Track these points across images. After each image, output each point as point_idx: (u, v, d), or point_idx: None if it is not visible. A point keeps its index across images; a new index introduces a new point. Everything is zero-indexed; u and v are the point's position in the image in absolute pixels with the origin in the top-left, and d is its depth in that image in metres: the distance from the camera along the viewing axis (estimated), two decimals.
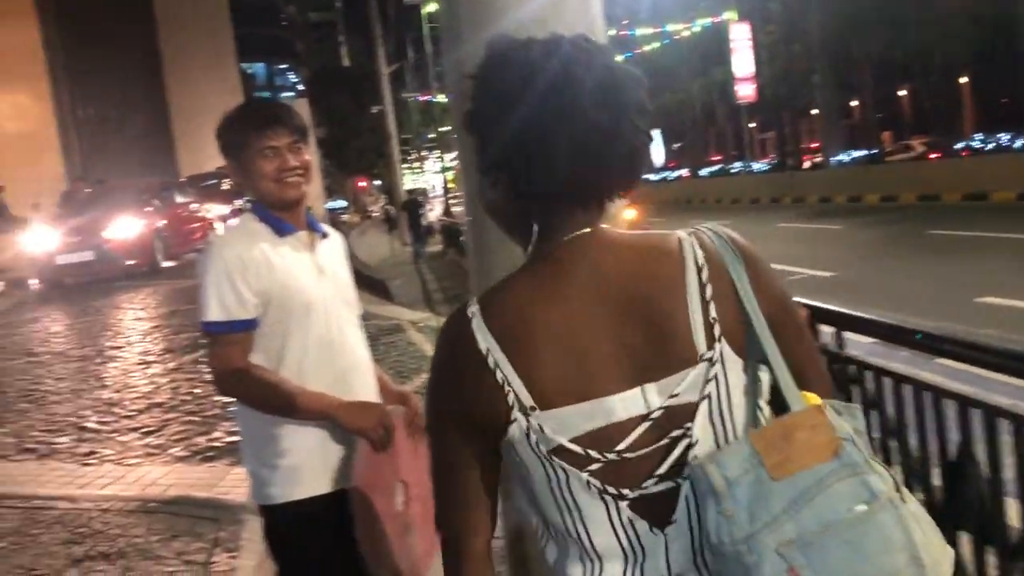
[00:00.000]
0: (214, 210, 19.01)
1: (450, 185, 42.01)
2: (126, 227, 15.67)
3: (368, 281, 12.34)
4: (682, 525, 1.13)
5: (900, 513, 1.05)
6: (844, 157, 33.94)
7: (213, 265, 2.17)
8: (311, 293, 2.24)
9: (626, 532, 1.14)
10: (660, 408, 1.12)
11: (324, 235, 2.38)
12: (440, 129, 40.72)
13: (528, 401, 1.13)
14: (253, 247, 2.19)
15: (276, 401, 2.17)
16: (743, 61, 33.50)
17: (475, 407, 1.16)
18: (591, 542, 1.15)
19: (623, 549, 1.14)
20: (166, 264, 16.55)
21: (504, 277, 1.21)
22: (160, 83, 31.66)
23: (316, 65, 50.58)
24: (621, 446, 1.12)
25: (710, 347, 1.13)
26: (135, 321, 11.12)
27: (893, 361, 2.11)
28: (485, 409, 1.15)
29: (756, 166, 41.11)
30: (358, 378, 2.33)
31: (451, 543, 1.25)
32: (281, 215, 2.26)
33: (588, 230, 1.18)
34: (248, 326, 2.18)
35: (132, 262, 15.63)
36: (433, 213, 32.41)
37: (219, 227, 18.71)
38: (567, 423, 1.12)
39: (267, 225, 2.24)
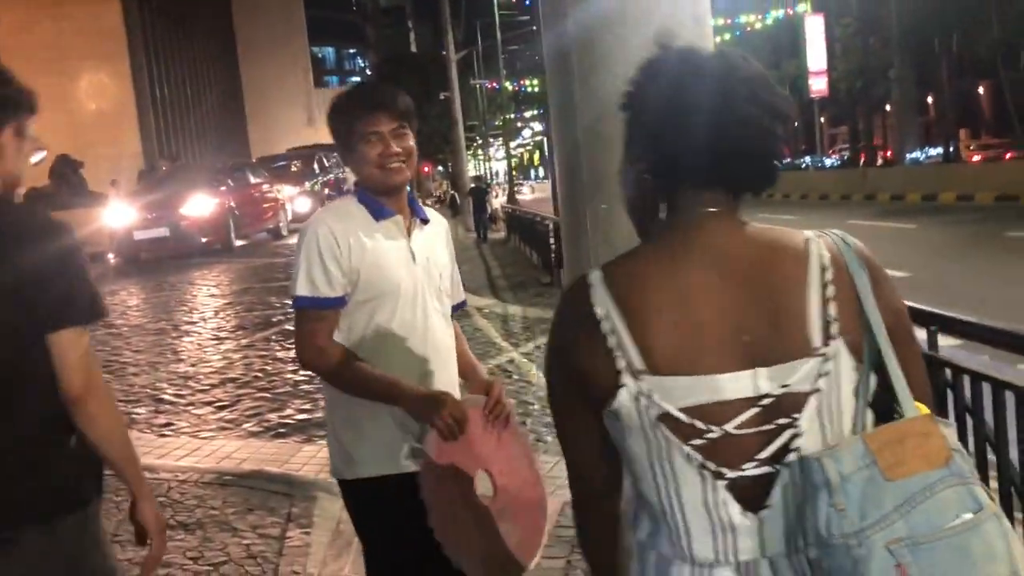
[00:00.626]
0: (285, 191, 19.33)
1: (513, 172, 42.01)
2: (201, 205, 16.04)
3: None
4: (777, 511, 1.16)
5: (1003, 526, 1.10)
6: (919, 155, 33.09)
7: (307, 242, 2.22)
8: (399, 278, 2.26)
9: (718, 512, 1.18)
10: (770, 395, 1.16)
11: (425, 220, 2.40)
12: (506, 116, 40.71)
13: (640, 365, 1.17)
14: (348, 228, 2.22)
15: (351, 381, 2.22)
16: (816, 54, 32.86)
17: (588, 371, 1.20)
18: (684, 519, 1.19)
19: (713, 528, 1.18)
20: (238, 243, 16.94)
21: (629, 250, 1.26)
22: (234, 64, 32.28)
23: (385, 50, 50.97)
24: (728, 425, 1.16)
25: (825, 343, 1.17)
26: (209, 297, 11.41)
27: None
28: (597, 373, 1.19)
29: (827, 161, 40.35)
30: (439, 365, 2.35)
31: (580, 505, 1.32)
32: (381, 199, 2.29)
33: (719, 214, 1.23)
34: (335, 304, 2.22)
35: (206, 239, 16.04)
36: (497, 200, 32.47)
37: (289, 207, 19.09)
38: (675, 392, 1.16)
39: (365, 208, 2.28)
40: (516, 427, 2.33)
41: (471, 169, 40.99)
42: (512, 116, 48.73)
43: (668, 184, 1.24)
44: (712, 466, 1.16)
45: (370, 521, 2.35)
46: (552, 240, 11.81)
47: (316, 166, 21.85)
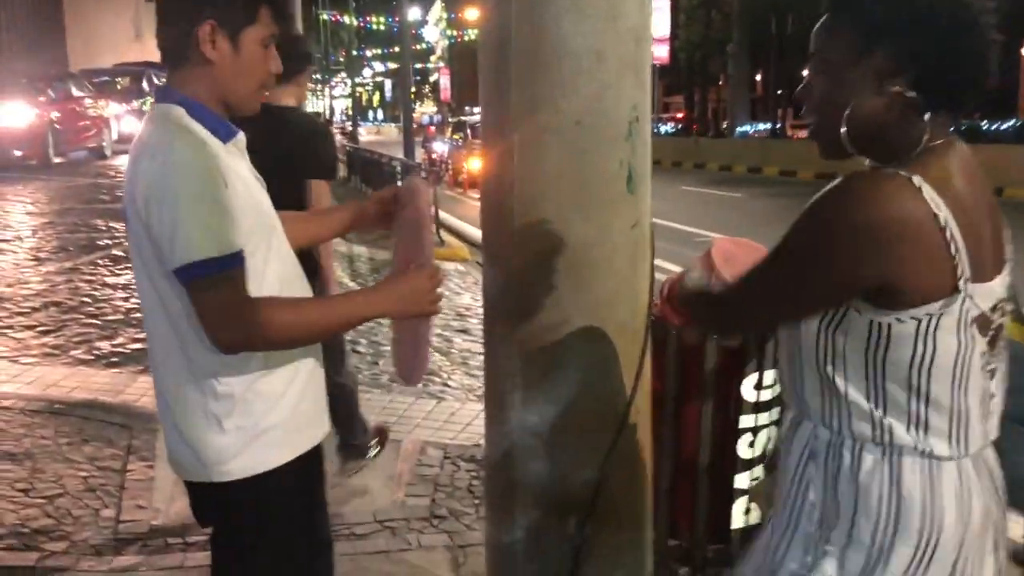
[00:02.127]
0: (111, 108, 17.97)
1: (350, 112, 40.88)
2: (17, 114, 14.43)
3: None
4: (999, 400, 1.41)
5: None
6: (748, 128, 34.76)
7: (185, 179, 1.59)
8: (269, 211, 1.79)
9: (988, 404, 1.38)
10: (1003, 297, 1.36)
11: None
12: (351, 52, 39.47)
13: (967, 272, 1.27)
14: (216, 153, 1.66)
15: (306, 326, 1.71)
16: (661, 22, 33.68)
17: (913, 271, 1.26)
18: (967, 414, 1.34)
19: (982, 419, 1.37)
20: (57, 160, 15.60)
21: (904, 161, 1.30)
22: None
23: None
24: (995, 323, 1.35)
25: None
26: (25, 216, 10.46)
27: None
28: (924, 274, 1.26)
29: (663, 128, 41.69)
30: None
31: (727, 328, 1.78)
32: (222, 115, 1.76)
33: (956, 135, 1.37)
34: (242, 259, 1.64)
35: (21, 153, 14.54)
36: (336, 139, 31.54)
37: (133, 129, 17.70)
38: (982, 296, 1.30)
39: (203, 125, 1.69)
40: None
41: (309, 105, 39.53)
42: (356, 53, 47.33)
43: (934, 103, 1.30)
44: (991, 363, 1.36)
45: (259, 524, 1.83)
46: (399, 182, 11.58)
47: (145, 84, 20.38)
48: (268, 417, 1.75)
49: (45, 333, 5.84)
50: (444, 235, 12.69)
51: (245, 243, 1.65)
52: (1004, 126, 22.28)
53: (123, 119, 18.19)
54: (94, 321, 6.14)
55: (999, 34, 1.31)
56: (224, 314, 1.60)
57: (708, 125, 40.00)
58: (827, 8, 1.41)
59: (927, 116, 1.31)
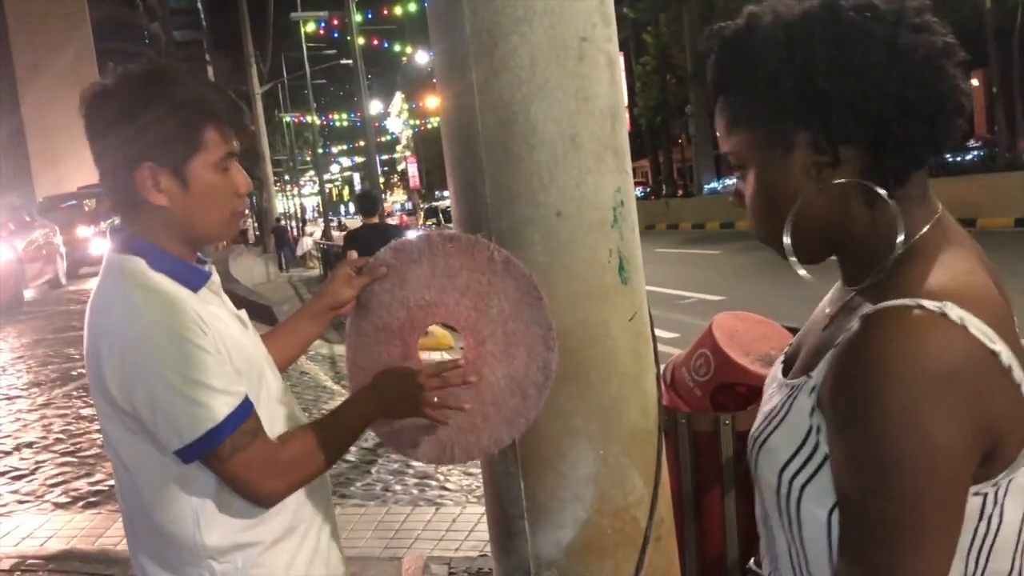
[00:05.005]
0: (79, 231, 17.77)
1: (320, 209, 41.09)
2: None
3: (255, 308, 11.75)
4: None
5: None
6: (716, 185, 35.10)
7: (172, 341, 1.41)
8: (255, 353, 1.62)
9: None
10: None
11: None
12: (316, 151, 39.81)
13: None
14: (185, 311, 1.45)
15: (328, 448, 1.56)
16: None
17: (1005, 430, 0.95)
18: None
19: None
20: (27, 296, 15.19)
21: (908, 273, 1.00)
22: (14, 99, 29.72)
23: None
24: None
25: None
26: None
27: None
28: (1012, 431, 0.95)
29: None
30: None
31: None
32: (189, 258, 1.56)
33: (940, 210, 1.05)
34: (250, 404, 1.49)
35: None
36: (309, 239, 31.52)
37: (101, 252, 17.40)
38: None
39: (170, 276, 1.49)
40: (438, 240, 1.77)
41: (280, 205, 39.71)
42: (322, 151, 47.82)
43: (898, 168, 1.00)
44: None
45: None
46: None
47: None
48: None
49: (18, 479, 5.53)
50: None
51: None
52: (968, 156, 22.54)
53: (91, 242, 18.01)
54: (69, 459, 5.85)
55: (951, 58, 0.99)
56: (259, 471, 1.46)
57: (675, 185, 40.40)
58: (713, 95, 1.11)
59: (893, 202, 1.01)
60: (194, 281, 1.53)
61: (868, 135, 0.99)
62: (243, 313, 1.68)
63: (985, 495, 0.96)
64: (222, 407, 1.41)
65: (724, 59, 1.07)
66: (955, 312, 0.93)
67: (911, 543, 0.91)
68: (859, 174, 1.01)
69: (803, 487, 1.01)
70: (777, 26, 1.01)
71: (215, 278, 1.60)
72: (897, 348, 0.92)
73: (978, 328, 0.93)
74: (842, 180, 1.01)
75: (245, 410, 1.45)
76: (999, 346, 0.93)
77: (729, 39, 1.06)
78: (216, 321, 1.50)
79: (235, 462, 1.43)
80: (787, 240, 1.06)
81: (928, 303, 0.93)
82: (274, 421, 1.58)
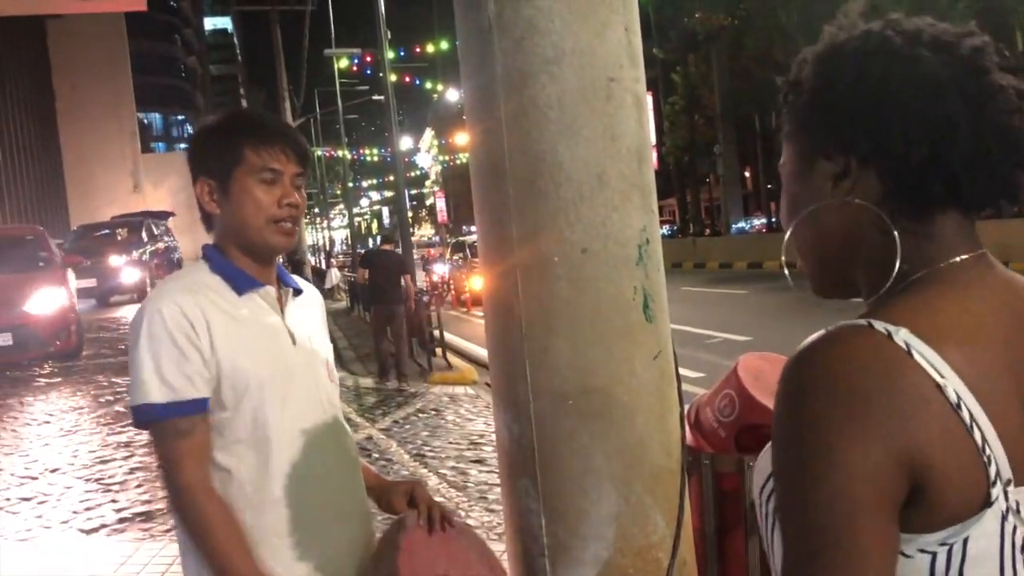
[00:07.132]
0: (112, 259, 17.97)
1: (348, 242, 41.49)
2: (48, 301, 10.72)
3: None
4: None
5: None
6: (744, 224, 35.08)
7: (148, 328, 1.66)
8: (283, 367, 1.75)
9: None
10: None
11: (298, 291, 1.89)
12: (347, 184, 40.27)
13: (1007, 473, 0.86)
14: (201, 304, 1.69)
15: (206, 537, 1.66)
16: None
17: (941, 474, 0.85)
18: None
19: None
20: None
21: (888, 302, 0.94)
22: (53, 131, 30.37)
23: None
24: None
25: None
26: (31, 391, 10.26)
27: None
28: (953, 478, 0.85)
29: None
30: (345, 476, 1.88)
31: None
32: (245, 266, 1.77)
33: (982, 251, 0.97)
34: (198, 408, 1.67)
35: (59, 343, 10.72)
36: (335, 272, 31.71)
37: (134, 280, 17.21)
38: None
39: (222, 277, 1.75)
40: (456, 522, 1.94)
41: (309, 238, 40.10)
42: (352, 184, 48.37)
43: (916, 208, 0.95)
44: None
45: None
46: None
47: (144, 234, 20.59)
48: None
49: (42, 503, 5.58)
50: (451, 357, 12.52)
51: (229, 393, 1.68)
52: None
53: (123, 270, 18.25)
54: (95, 485, 5.89)
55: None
56: (169, 466, 1.68)
57: (703, 224, 40.40)
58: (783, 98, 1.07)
59: (896, 233, 0.95)
60: (241, 286, 1.76)
61: (891, 158, 0.94)
62: (300, 328, 1.83)
63: (934, 555, 0.87)
64: (155, 392, 1.64)
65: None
66: (902, 335, 0.87)
67: (823, 562, 0.84)
68: (876, 198, 0.97)
69: (775, 509, 0.96)
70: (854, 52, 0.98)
71: (267, 289, 1.80)
72: (820, 360, 0.89)
73: (926, 358, 0.86)
74: (856, 200, 0.98)
75: (182, 408, 1.66)
76: (949, 382, 0.85)
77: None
78: (228, 325, 1.70)
79: (161, 446, 1.68)
80: (787, 237, 1.06)
81: (879, 323, 0.89)
82: (298, 425, 1.76)
